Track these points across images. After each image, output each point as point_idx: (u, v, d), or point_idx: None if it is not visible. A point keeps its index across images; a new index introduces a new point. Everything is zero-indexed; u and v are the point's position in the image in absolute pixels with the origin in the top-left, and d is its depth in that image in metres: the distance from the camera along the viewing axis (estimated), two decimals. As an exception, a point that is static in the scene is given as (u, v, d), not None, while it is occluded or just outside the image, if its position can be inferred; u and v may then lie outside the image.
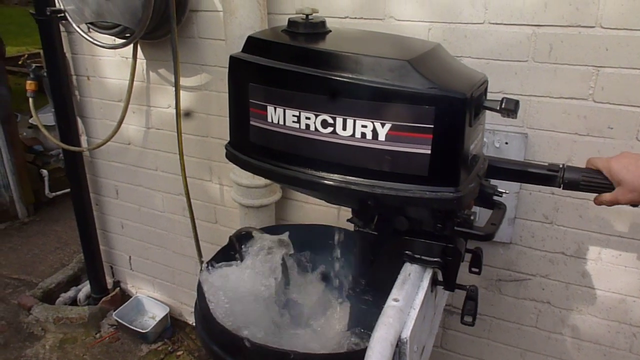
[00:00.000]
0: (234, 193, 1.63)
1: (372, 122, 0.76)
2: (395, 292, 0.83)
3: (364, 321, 1.06)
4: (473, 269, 1.01)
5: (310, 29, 0.86)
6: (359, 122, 0.77)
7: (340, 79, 0.76)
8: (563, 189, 0.92)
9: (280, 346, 1.01)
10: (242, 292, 1.25)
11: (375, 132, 0.77)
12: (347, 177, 0.81)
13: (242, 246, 1.30)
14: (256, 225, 1.63)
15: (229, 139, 0.97)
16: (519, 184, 1.33)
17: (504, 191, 0.90)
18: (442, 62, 0.80)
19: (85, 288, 2.33)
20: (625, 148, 1.23)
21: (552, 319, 1.47)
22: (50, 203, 3.20)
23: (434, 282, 0.92)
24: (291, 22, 0.87)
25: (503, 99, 0.76)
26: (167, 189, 1.96)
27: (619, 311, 1.39)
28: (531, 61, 1.24)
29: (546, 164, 0.94)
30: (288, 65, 0.80)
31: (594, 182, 0.89)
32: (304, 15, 0.87)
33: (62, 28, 1.88)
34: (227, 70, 1.58)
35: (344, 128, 0.78)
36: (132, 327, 2.07)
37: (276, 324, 1.22)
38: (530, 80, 1.26)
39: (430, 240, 0.87)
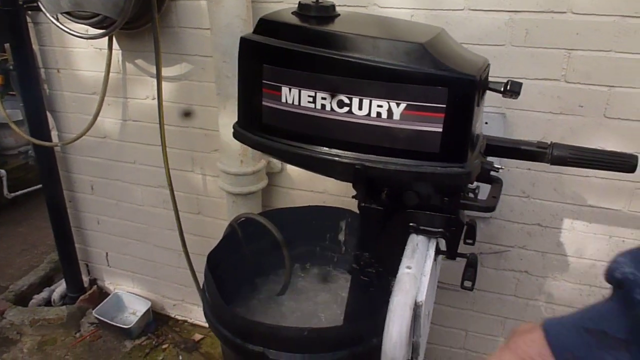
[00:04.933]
0: (222, 182, 1.64)
1: (388, 102, 0.81)
2: (406, 261, 0.88)
3: (366, 293, 1.11)
4: (467, 240, 1.08)
5: (322, 12, 0.89)
6: (375, 102, 0.81)
7: (358, 61, 0.80)
8: (551, 164, 1.00)
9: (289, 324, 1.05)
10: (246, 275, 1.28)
11: (390, 112, 0.81)
12: (362, 154, 0.85)
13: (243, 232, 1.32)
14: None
15: (237, 119, 0.99)
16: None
17: (500, 167, 0.97)
18: (450, 46, 0.86)
19: (59, 288, 2.28)
20: (594, 125, 1.34)
21: (529, 287, 1.58)
22: (10, 204, 3.07)
23: (436, 252, 0.98)
24: (302, 5, 0.90)
25: (508, 81, 0.83)
26: (147, 181, 1.94)
27: (590, 275, 1.51)
28: (509, 45, 1.33)
29: (535, 142, 1.01)
30: (306, 47, 0.83)
31: (581, 157, 0.97)
32: (315, -1, 0.90)
33: (28, 19, 1.82)
34: (208, 59, 1.61)
35: (360, 108, 0.82)
36: (115, 324, 2.05)
37: (278, 304, 1.25)
38: (508, 63, 1.34)
39: (434, 213, 0.93)
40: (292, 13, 0.93)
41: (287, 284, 1.34)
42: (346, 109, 0.83)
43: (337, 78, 0.82)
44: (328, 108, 0.84)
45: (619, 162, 0.96)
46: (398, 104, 0.81)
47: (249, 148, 1.55)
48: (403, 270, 0.85)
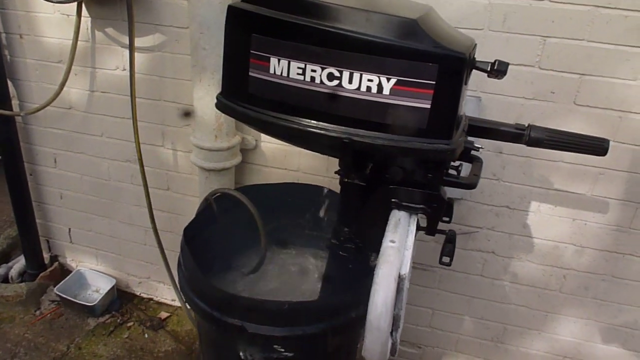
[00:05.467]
0: (194, 157, 1.61)
1: (378, 77, 0.81)
2: (390, 235, 0.89)
3: (346, 268, 1.13)
4: (444, 218, 1.11)
5: (311, -16, 0.88)
6: (366, 76, 0.81)
7: (351, 34, 0.80)
8: (528, 145, 1.03)
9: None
10: (222, 251, 1.27)
11: (380, 86, 0.81)
12: (350, 128, 0.85)
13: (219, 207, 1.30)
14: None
15: (221, 89, 0.97)
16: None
17: (480, 146, 1.00)
18: (440, 24, 0.86)
19: (17, 265, 2.19)
20: (564, 111, 1.38)
21: (495, 267, 1.64)
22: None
23: (417, 228, 1.00)
24: (294, -24, 0.89)
25: (496, 61, 0.85)
26: (114, 155, 1.88)
27: (553, 256, 1.57)
28: (486, 30, 1.35)
29: (513, 124, 1.04)
30: (298, 18, 0.82)
31: (557, 139, 1.00)
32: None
33: (-13, -20, 1.72)
34: (183, 31, 1.57)
35: (350, 81, 0.82)
36: (77, 301, 1.99)
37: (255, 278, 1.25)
38: (485, 47, 1.36)
39: (417, 189, 0.95)
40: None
41: (262, 259, 1.34)
42: (336, 82, 0.83)
43: (329, 50, 0.82)
44: (317, 80, 0.84)
45: (592, 145, 1.01)
46: (388, 79, 0.81)
47: (224, 123, 1.54)
48: (387, 243, 0.86)
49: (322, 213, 1.44)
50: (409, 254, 0.88)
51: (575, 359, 1.72)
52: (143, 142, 1.71)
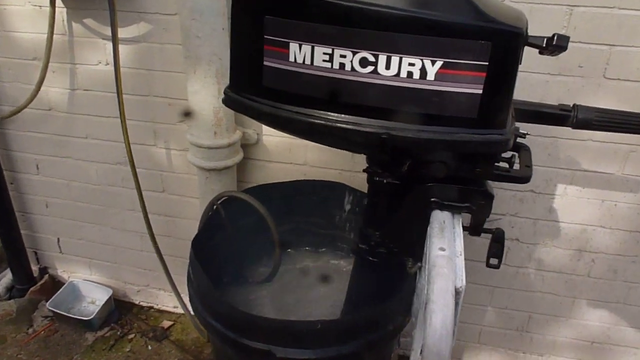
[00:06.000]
0: (192, 156, 1.48)
1: (422, 60, 0.69)
2: (437, 242, 0.79)
3: (374, 274, 1.02)
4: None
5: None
6: (406, 60, 0.69)
7: (387, 10, 0.68)
8: (574, 128, 0.93)
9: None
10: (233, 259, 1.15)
11: (423, 71, 0.70)
12: (388, 122, 0.73)
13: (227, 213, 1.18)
14: (218, 190, 1.51)
15: (229, 82, 0.84)
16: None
17: (526, 132, 0.89)
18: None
19: (4, 280, 2.04)
20: (593, 86, 1.28)
21: (519, 254, 1.55)
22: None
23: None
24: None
25: (554, 35, 0.73)
26: (103, 158, 1.74)
27: (581, 240, 1.49)
28: (507, 0, 1.23)
29: (557, 105, 0.94)
30: (322, -6, 0.69)
31: (608, 119, 0.90)
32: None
33: (-53, -29, 1.55)
34: (172, 18, 1.43)
35: (387, 67, 0.70)
36: (73, 316, 1.86)
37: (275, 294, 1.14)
38: (507, 20, 1.25)
39: (461, 185, 0.84)
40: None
41: (277, 267, 1.22)
42: (370, 68, 0.71)
43: (361, 31, 0.70)
44: (348, 68, 0.72)
45: (647, 124, 0.91)
46: (433, 62, 0.69)
47: (223, 118, 1.41)
48: (436, 252, 0.76)
49: (339, 212, 1.33)
50: (461, 261, 0.77)
51: (605, 344, 1.65)
52: (133, 142, 1.57)
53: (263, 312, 1.09)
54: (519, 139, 0.89)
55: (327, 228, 1.36)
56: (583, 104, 1.28)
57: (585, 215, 1.45)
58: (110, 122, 1.65)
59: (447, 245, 0.77)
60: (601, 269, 1.52)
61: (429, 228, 0.83)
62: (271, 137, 1.56)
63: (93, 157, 1.75)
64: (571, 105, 0.93)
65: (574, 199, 1.43)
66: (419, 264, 0.89)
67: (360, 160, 1.36)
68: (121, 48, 1.48)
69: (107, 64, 1.56)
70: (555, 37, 0.73)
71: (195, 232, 1.75)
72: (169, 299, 1.99)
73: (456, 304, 0.75)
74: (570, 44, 1.24)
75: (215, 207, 1.21)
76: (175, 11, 1.42)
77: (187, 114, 1.40)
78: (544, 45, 0.75)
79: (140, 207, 1.61)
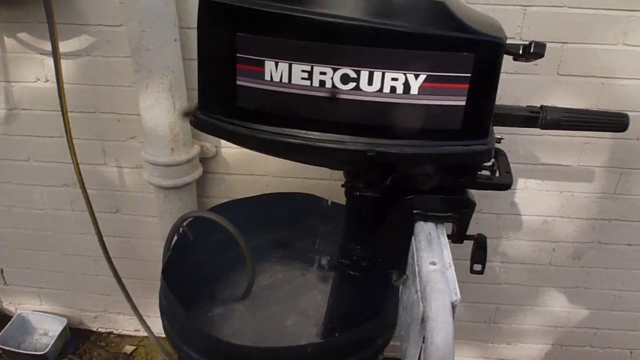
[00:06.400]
0: (149, 175, 1.40)
1: (405, 74, 0.67)
2: (427, 256, 0.77)
3: (358, 289, 1.00)
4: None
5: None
6: (389, 75, 0.67)
7: (368, 24, 0.65)
8: (543, 128, 0.94)
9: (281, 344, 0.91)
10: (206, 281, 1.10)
11: (407, 85, 0.68)
12: (372, 138, 0.71)
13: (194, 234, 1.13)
14: (179, 208, 1.45)
15: (198, 103, 0.79)
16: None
17: (501, 137, 0.89)
18: (462, 4, 0.74)
19: (-59, 318, 1.87)
20: (548, 83, 1.32)
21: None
22: None
23: (445, 237, 0.89)
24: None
25: (531, 42, 0.74)
26: (47, 181, 1.62)
27: (542, 231, 1.54)
28: (464, 1, 1.24)
29: (526, 107, 0.95)
30: (296, 8, 0.65)
31: (575, 118, 0.92)
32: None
33: None
34: (116, 30, 1.34)
35: (370, 83, 0.68)
36: (23, 351, 1.73)
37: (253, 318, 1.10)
38: (464, 22, 1.26)
39: (443, 195, 0.83)
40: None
41: (250, 285, 1.18)
42: (352, 84, 0.68)
43: (341, 47, 0.67)
44: (329, 85, 0.69)
45: (611, 122, 0.93)
46: (417, 76, 0.67)
47: (180, 133, 1.34)
48: (428, 267, 0.74)
49: (307, 222, 1.30)
50: (452, 273, 0.76)
51: (567, 327, 1.72)
52: (81, 162, 1.46)
53: (242, 331, 1.04)
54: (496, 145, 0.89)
55: (296, 240, 1.33)
56: (540, 100, 1.32)
57: (545, 206, 1.50)
58: (54, 142, 1.54)
59: (437, 258, 0.76)
60: (561, 257, 1.58)
61: (415, 241, 0.82)
62: (230, 149, 1.50)
63: (36, 181, 1.62)
64: (539, 107, 0.94)
65: (534, 192, 1.47)
66: (404, 276, 0.88)
67: (321, 168, 1.35)
68: (62, 63, 1.37)
69: (47, 80, 1.45)
70: (533, 45, 0.73)
71: (154, 251, 1.69)
72: (129, 323, 1.89)
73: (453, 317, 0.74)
74: (524, 43, 1.27)
75: (181, 230, 1.15)
76: (120, 22, 1.34)
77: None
78: (521, 53, 0.74)
79: (93, 230, 1.51)
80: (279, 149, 0.76)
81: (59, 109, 1.35)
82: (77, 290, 1.84)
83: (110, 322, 1.91)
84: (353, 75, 0.68)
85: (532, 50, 0.73)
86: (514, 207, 1.51)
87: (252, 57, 0.70)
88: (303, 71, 0.69)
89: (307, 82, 0.69)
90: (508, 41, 0.75)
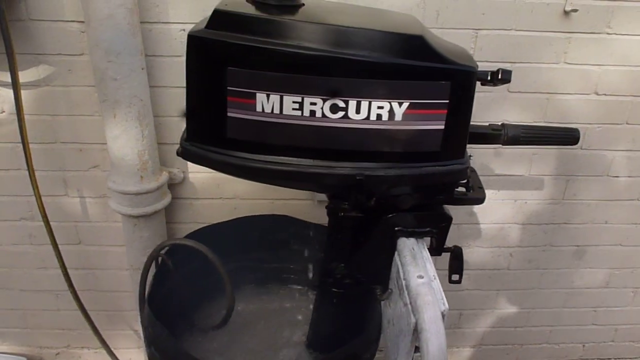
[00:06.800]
0: (116, 204, 1.38)
1: (390, 102, 0.72)
2: (413, 270, 0.82)
3: (342, 306, 1.03)
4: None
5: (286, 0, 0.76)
6: (375, 104, 0.72)
7: (354, 57, 0.70)
8: (504, 145, 1.02)
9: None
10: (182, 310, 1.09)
11: (392, 113, 0.73)
12: (360, 163, 0.76)
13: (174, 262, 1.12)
14: (148, 236, 1.43)
15: (185, 134, 0.81)
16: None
17: (470, 155, 0.96)
18: (436, 36, 0.80)
19: None
20: (500, 100, 1.42)
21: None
22: None
23: (425, 251, 0.94)
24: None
25: (499, 69, 0.81)
26: (2, 215, 1.55)
27: (499, 238, 1.64)
28: (421, 27, 1.32)
29: (488, 125, 1.03)
30: (285, 43, 0.69)
31: (532, 134, 1.00)
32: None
33: None
34: (76, 59, 1.33)
35: (358, 111, 0.72)
36: (-20, 397, 1.63)
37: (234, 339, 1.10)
38: (422, 45, 1.34)
39: (422, 212, 0.89)
40: (248, 1, 0.77)
41: (230, 310, 1.18)
42: (341, 113, 0.73)
43: (332, 79, 0.71)
44: (319, 114, 0.73)
45: (564, 136, 1.03)
46: (400, 104, 0.73)
47: (149, 160, 1.34)
48: (416, 281, 0.79)
49: (281, 244, 1.32)
50: (438, 285, 0.81)
51: (525, 326, 1.82)
52: (42, 194, 1.42)
53: (227, 357, 1.05)
54: (464, 162, 0.96)
55: (271, 262, 1.35)
56: (494, 115, 1.43)
57: (501, 214, 1.59)
58: (10, 175, 1.48)
59: (423, 272, 0.81)
60: (518, 261, 1.68)
61: (400, 257, 0.86)
62: (197, 174, 1.50)
63: (-9, 216, 1.55)
64: (500, 124, 1.02)
65: (490, 201, 1.57)
66: (389, 290, 0.92)
67: (288, 189, 1.38)
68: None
69: (3, 111, 1.40)
70: (500, 72, 0.80)
71: (120, 281, 1.65)
72: (94, 357, 1.83)
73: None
74: (479, 63, 1.37)
75: (160, 258, 1.14)
76: (81, 51, 1.32)
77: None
78: (489, 79, 0.81)
79: (52, 264, 1.47)
80: (271, 176, 0.79)
81: (16, 141, 1.31)
82: (37, 328, 1.76)
83: (73, 358, 1.83)
84: (342, 104, 0.72)
85: (499, 77, 0.80)
86: (472, 216, 1.60)
87: (243, 89, 0.73)
88: (294, 102, 0.72)
89: (298, 113, 0.73)
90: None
